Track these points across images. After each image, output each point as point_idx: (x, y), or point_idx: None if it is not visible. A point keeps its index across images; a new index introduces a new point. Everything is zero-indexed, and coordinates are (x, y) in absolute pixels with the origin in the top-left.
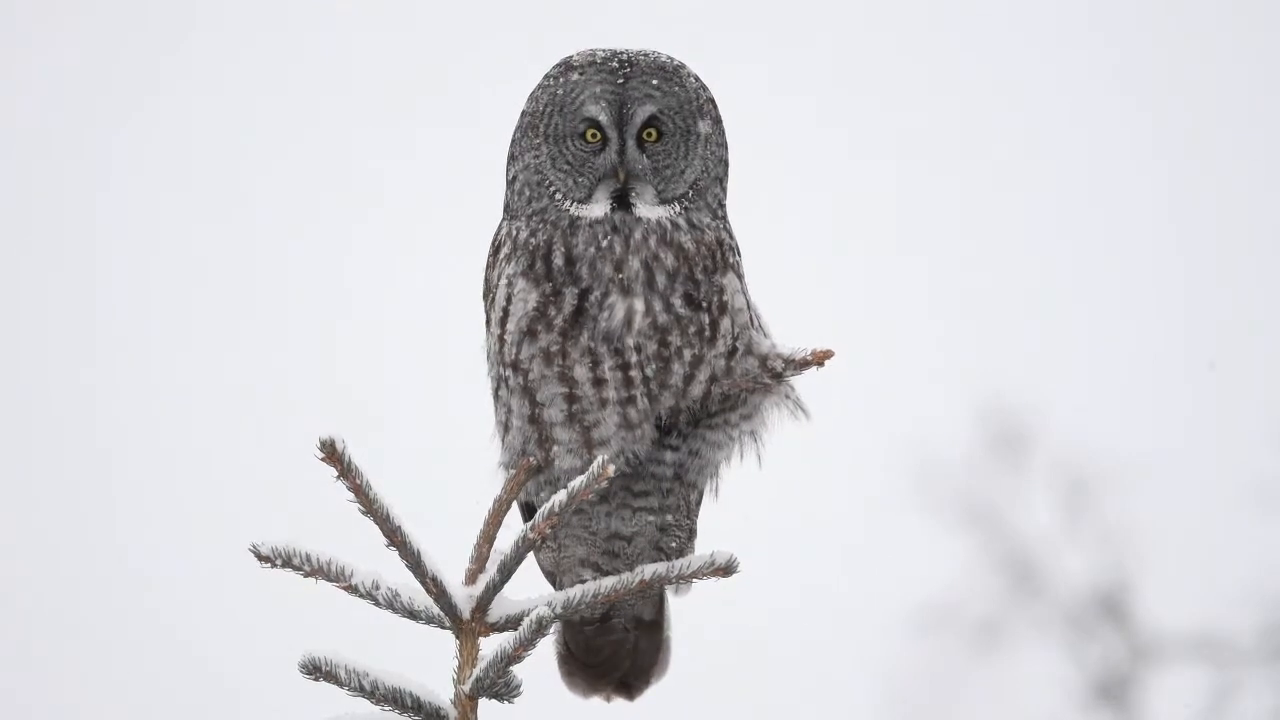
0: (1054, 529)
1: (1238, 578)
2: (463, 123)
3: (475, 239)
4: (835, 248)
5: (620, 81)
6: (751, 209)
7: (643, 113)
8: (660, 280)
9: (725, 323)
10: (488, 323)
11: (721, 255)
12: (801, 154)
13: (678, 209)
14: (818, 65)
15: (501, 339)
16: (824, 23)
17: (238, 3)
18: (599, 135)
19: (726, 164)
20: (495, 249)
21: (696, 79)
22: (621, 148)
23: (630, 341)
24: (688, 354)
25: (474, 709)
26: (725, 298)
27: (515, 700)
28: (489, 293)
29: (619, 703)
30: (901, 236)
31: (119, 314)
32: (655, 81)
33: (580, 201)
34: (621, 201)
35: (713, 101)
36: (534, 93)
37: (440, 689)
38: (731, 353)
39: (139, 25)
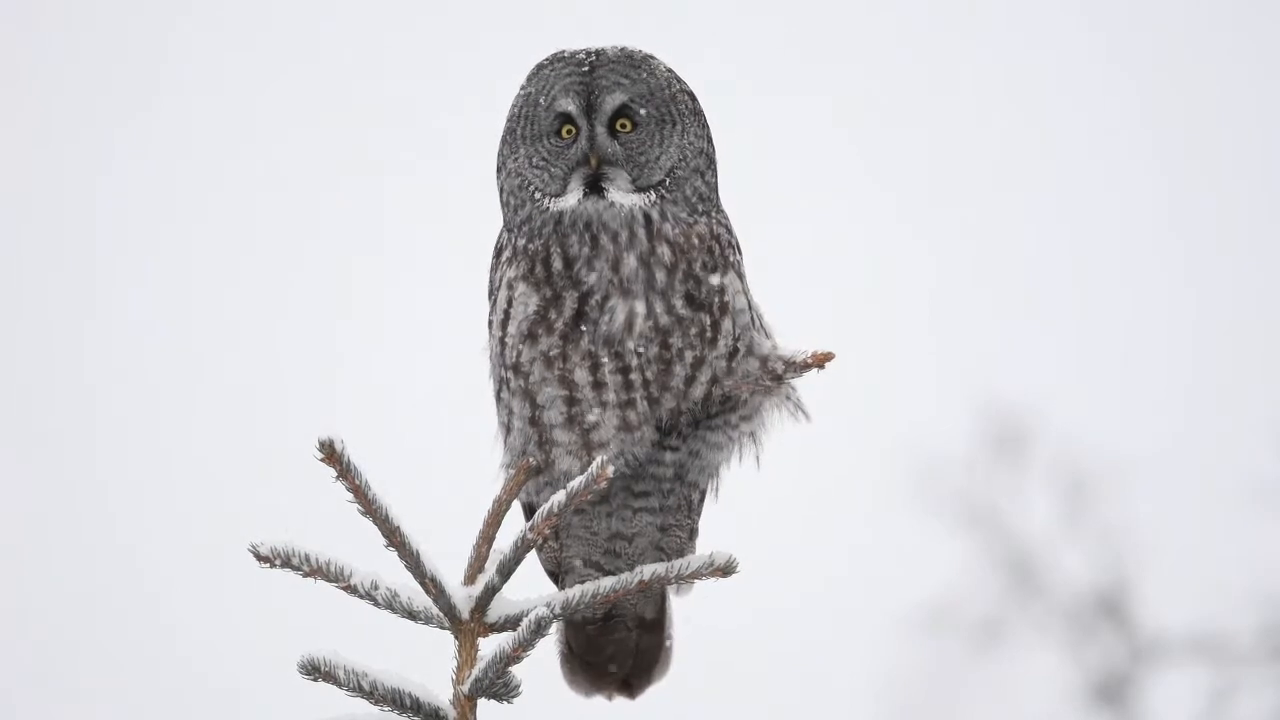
0: (1054, 529)
1: (1238, 578)
2: (466, 121)
3: (478, 239)
4: (835, 248)
5: (586, 70)
6: (752, 209)
7: (611, 101)
8: (660, 277)
9: (726, 323)
10: (489, 325)
11: (721, 253)
12: (803, 154)
13: (653, 197)
14: (820, 67)
15: (503, 342)
16: (829, 24)
17: (240, 5)
18: (573, 130)
19: (710, 157)
20: (498, 251)
21: (668, 70)
22: (591, 134)
23: (631, 345)
24: (689, 355)
25: (473, 709)
26: (726, 298)
27: (514, 700)
28: (491, 295)
29: (621, 702)
30: (901, 237)
31: (118, 314)
32: (623, 70)
33: (556, 195)
34: (594, 188)
35: (689, 94)
36: (512, 101)
37: (439, 689)
38: (733, 354)
39: (137, 25)
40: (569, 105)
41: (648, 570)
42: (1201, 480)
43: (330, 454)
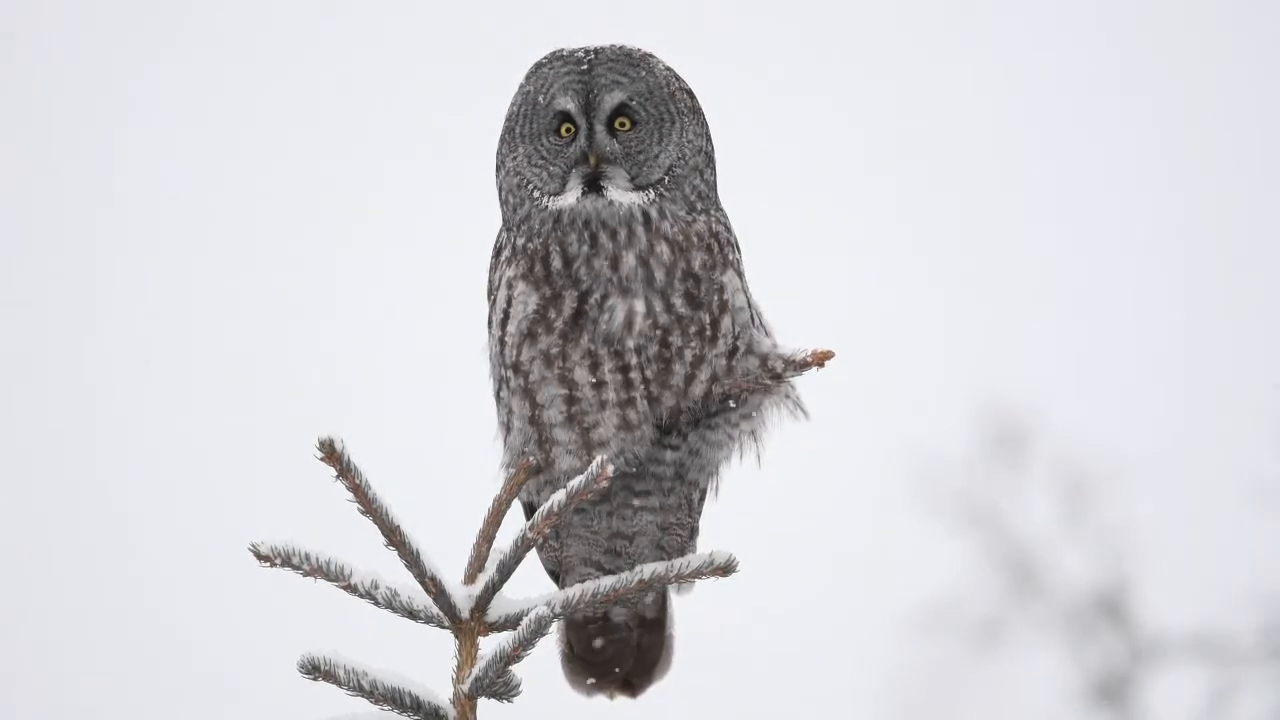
0: (1054, 529)
1: (1238, 578)
2: (465, 120)
3: (477, 238)
4: (835, 247)
5: (585, 69)
6: (753, 208)
7: (610, 99)
8: (659, 275)
9: (726, 321)
10: (489, 324)
11: (720, 251)
12: (803, 154)
13: (652, 195)
14: (820, 66)
15: (502, 341)
16: (831, 25)
17: (234, 3)
18: (572, 129)
19: (709, 155)
20: (497, 251)
21: (667, 68)
22: (590, 132)
23: (630, 343)
24: (689, 354)
25: (473, 708)
26: (726, 296)
27: (514, 700)
28: (491, 294)
29: (622, 701)
30: (902, 236)
31: (116, 312)
32: (621, 68)
33: (554, 193)
34: (593, 186)
35: (688, 92)
36: (511, 100)
37: (439, 689)
38: (732, 352)
39: (134, 23)
40: (568, 104)
41: (648, 569)
42: (1201, 480)
43: (330, 453)
